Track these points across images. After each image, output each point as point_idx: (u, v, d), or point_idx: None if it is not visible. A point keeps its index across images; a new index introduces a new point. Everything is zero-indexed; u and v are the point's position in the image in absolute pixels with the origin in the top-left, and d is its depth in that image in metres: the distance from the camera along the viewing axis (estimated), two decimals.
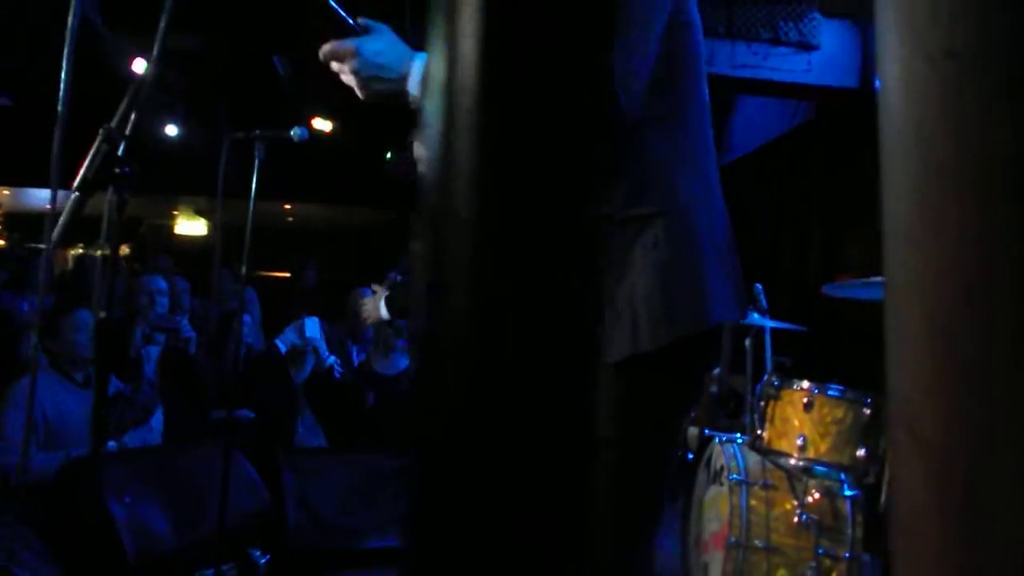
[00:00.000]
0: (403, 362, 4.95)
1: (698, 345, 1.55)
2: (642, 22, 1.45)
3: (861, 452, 3.06)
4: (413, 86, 1.51)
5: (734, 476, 3.09)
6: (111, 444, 3.70)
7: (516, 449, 0.56)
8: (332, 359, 4.73)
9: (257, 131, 3.07)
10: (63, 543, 2.89)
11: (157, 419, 4.06)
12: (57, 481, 3.11)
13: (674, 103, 1.54)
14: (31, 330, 4.16)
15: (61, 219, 1.41)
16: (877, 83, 0.60)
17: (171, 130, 6.63)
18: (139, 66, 5.43)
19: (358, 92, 1.56)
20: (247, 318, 4.80)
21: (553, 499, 0.57)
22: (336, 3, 1.51)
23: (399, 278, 1.80)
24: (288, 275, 7.98)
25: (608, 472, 1.53)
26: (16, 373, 3.87)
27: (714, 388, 5.13)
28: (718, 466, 3.35)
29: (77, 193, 1.39)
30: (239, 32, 5.36)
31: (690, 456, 3.80)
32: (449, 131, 0.59)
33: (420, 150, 3.42)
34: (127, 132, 1.42)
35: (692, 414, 4.47)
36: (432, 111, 0.61)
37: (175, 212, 10.98)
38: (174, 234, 10.93)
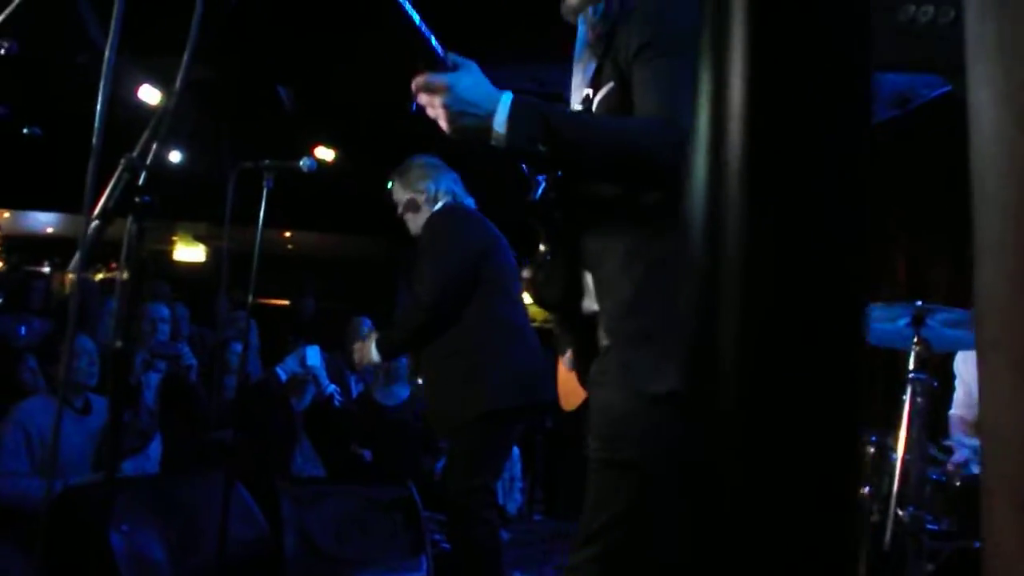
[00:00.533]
0: (404, 392, 4.94)
1: None
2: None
3: (865, 490, 3.06)
4: (499, 124, 1.54)
5: None
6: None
7: (801, 470, 0.56)
8: (332, 388, 4.73)
9: (267, 161, 3.09)
10: (60, 572, 2.85)
11: (155, 447, 4.03)
12: (56, 509, 3.08)
13: None
14: (30, 353, 4.14)
15: (82, 247, 1.41)
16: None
17: (174, 156, 6.65)
18: (146, 93, 5.48)
19: (443, 126, 1.59)
20: (239, 346, 4.79)
21: (834, 525, 0.56)
22: (417, 33, 1.52)
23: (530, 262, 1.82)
24: (287, 303, 7.97)
25: (623, 494, 1.58)
26: (14, 397, 3.84)
27: None
28: None
29: (97, 221, 1.40)
30: (244, 61, 5.40)
31: None
32: (716, 185, 0.59)
33: (399, 192, 3.46)
34: (148, 162, 1.43)
35: None
36: (698, 165, 0.62)
37: (174, 238, 10.99)
38: (172, 260, 10.93)
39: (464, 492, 3.21)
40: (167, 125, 1.46)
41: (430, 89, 1.56)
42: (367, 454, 4.68)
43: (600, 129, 1.60)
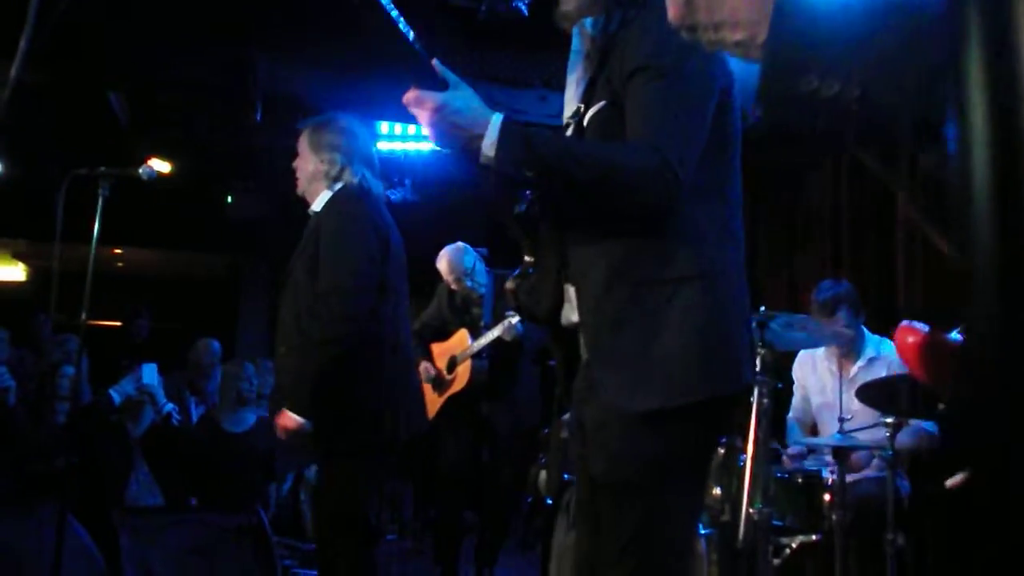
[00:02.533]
0: (251, 418, 4.75)
1: (726, 404, 1.69)
2: (699, 111, 1.64)
3: (716, 491, 3.17)
4: (488, 147, 1.58)
5: None
6: None
7: None
8: (170, 406, 4.49)
9: (102, 168, 2.89)
10: None
11: None
12: None
13: (714, 176, 1.68)
14: None
15: None
16: None
17: None
18: None
19: (431, 141, 1.63)
20: (72, 370, 4.46)
21: None
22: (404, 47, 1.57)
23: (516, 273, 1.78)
24: (119, 324, 7.52)
25: (628, 517, 1.63)
26: None
27: (565, 433, 5.19)
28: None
29: None
30: (73, 64, 5.07)
31: (549, 501, 3.81)
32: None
33: (303, 148, 3.10)
34: None
35: (543, 459, 4.49)
36: (980, 165, 0.65)
37: None
38: None
39: (330, 524, 2.85)
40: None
41: (420, 104, 1.60)
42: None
43: (583, 155, 1.63)
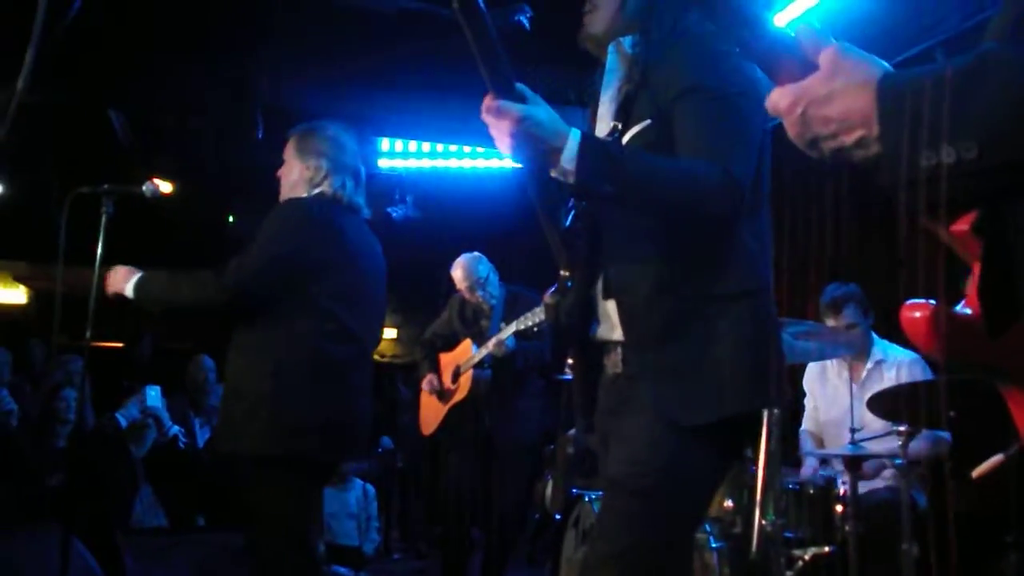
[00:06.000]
0: None
1: (758, 418, 1.79)
2: (752, 132, 1.70)
3: (728, 503, 3.13)
4: (568, 161, 1.58)
5: None
6: None
7: None
8: (176, 429, 4.46)
9: (105, 186, 2.87)
10: None
11: None
12: None
13: (756, 196, 1.72)
14: None
15: None
16: None
17: None
18: None
19: (504, 151, 1.63)
20: (73, 393, 4.43)
21: None
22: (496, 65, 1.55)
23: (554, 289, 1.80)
24: (121, 346, 7.50)
25: (634, 523, 1.66)
26: None
27: (571, 448, 5.15)
28: (587, 525, 3.33)
29: None
30: (73, 83, 5.07)
31: (558, 517, 3.77)
32: None
33: (290, 153, 3.05)
34: None
35: (548, 476, 4.46)
36: None
37: None
38: None
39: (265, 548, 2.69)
40: (5, 131, 1.32)
41: (499, 114, 1.58)
42: None
43: (662, 170, 1.65)
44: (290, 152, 2.88)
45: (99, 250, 2.90)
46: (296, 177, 2.84)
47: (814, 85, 0.93)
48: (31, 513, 3.69)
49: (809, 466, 3.71)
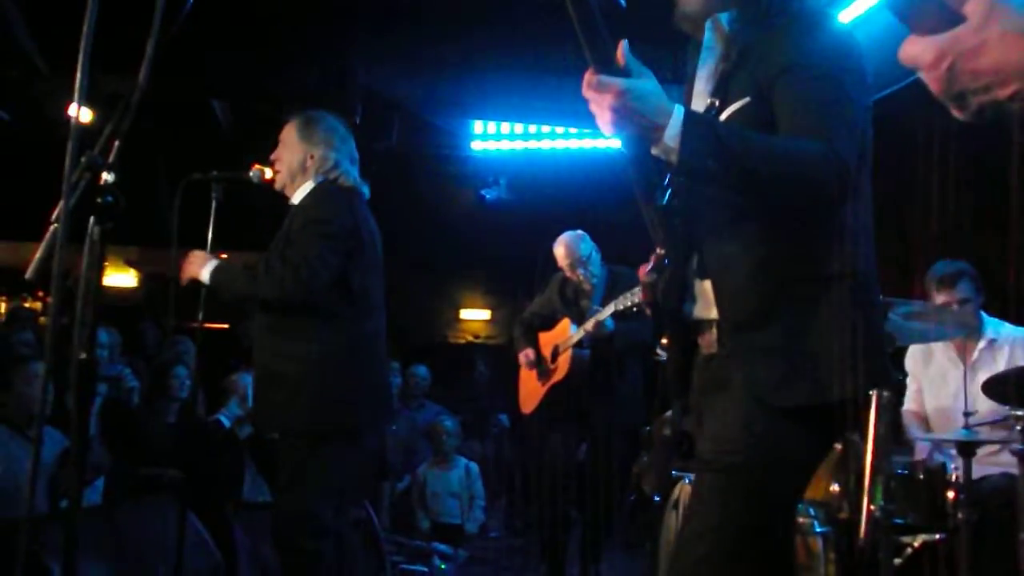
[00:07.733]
0: None
1: (857, 404, 1.70)
2: (858, 111, 1.66)
3: (834, 487, 3.05)
4: (671, 138, 1.53)
5: None
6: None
7: None
8: None
9: (215, 172, 2.97)
10: None
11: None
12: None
13: (859, 176, 1.67)
14: None
15: (38, 253, 1.31)
16: None
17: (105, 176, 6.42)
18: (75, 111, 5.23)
19: (605, 126, 1.56)
20: (184, 371, 4.60)
21: None
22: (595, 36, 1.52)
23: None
24: (226, 327, 7.75)
25: (726, 501, 1.64)
26: None
27: (667, 430, 5.11)
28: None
29: (55, 225, 1.30)
30: (178, 74, 5.24)
31: (656, 498, 3.74)
32: None
33: (291, 139, 3.09)
34: (111, 160, 1.34)
35: (645, 458, 4.42)
36: None
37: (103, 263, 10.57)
38: (101, 286, 10.48)
39: (287, 518, 2.82)
40: (130, 119, 1.37)
41: (601, 87, 1.53)
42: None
43: (767, 148, 1.61)
44: (291, 136, 3.02)
45: (209, 234, 3.00)
46: (300, 162, 2.98)
47: (963, 36, 0.85)
48: (150, 488, 3.85)
49: (923, 450, 3.59)
